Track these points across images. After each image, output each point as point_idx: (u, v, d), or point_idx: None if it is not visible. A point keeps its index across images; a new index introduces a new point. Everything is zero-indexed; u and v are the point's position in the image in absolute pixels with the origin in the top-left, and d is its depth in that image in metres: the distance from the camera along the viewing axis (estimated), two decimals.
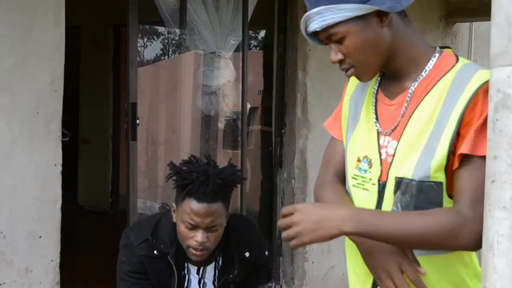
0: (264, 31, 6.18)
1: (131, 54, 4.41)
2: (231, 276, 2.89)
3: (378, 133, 1.91)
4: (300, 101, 5.37)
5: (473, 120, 1.72)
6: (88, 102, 9.04)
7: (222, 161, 5.69)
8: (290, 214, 1.80)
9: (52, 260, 3.74)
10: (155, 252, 2.78)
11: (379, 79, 1.98)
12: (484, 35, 7.50)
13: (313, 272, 5.48)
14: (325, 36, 1.83)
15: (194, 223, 2.65)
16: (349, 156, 1.99)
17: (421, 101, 1.83)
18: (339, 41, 1.82)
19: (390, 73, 1.93)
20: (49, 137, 3.69)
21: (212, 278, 2.91)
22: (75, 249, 5.62)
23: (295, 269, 5.45)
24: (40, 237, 3.68)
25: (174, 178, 2.75)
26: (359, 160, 1.95)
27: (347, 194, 1.98)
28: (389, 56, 1.86)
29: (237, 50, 5.36)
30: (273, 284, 5.55)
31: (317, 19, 1.80)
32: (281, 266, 5.54)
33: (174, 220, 2.77)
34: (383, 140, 1.89)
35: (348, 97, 2.05)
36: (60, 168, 3.75)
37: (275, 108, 5.53)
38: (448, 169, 1.76)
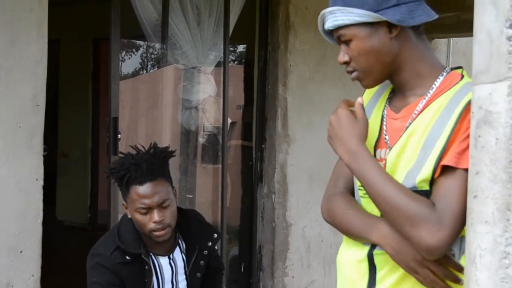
0: (245, 46, 6.20)
1: (113, 69, 4.42)
2: (209, 243, 3.01)
3: (377, 145, 1.95)
4: (280, 115, 5.38)
5: (458, 134, 1.75)
6: (67, 116, 9.02)
7: (202, 176, 5.73)
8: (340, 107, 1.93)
9: (33, 275, 3.74)
10: (127, 257, 2.84)
11: (390, 95, 2.02)
12: (461, 50, 7.60)
13: (293, 286, 5.48)
14: (336, 35, 1.91)
15: (145, 206, 2.77)
16: None
17: (416, 117, 1.87)
18: (347, 43, 1.89)
19: (396, 85, 1.97)
20: (31, 151, 3.70)
21: (182, 265, 3.00)
22: (54, 264, 5.59)
23: (275, 283, 5.45)
24: (21, 251, 3.68)
25: (111, 176, 2.89)
26: None
27: (357, 202, 2.01)
28: (394, 68, 1.91)
29: (218, 65, 5.38)
30: None
31: (330, 18, 1.89)
32: (261, 281, 5.53)
33: (129, 216, 2.87)
34: (382, 153, 1.94)
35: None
36: (41, 183, 3.76)
37: (256, 122, 5.54)
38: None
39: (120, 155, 2.97)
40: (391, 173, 1.86)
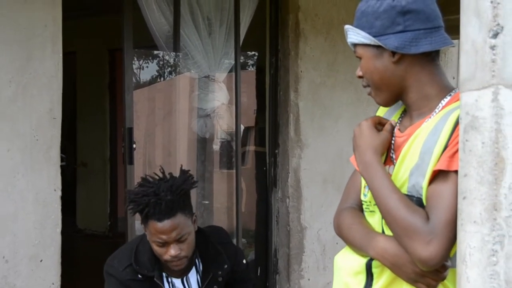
0: (256, 53, 6.26)
1: (126, 80, 4.47)
2: (219, 272, 3.02)
3: (385, 161, 2.01)
4: (292, 121, 5.43)
5: (452, 142, 1.81)
6: (86, 126, 9.11)
7: (218, 182, 5.79)
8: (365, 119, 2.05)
9: (53, 283, 3.82)
10: (139, 276, 2.90)
11: (402, 115, 2.09)
12: None
13: None
14: (354, 50, 2.04)
15: (162, 241, 2.79)
16: (362, 184, 2.11)
17: (415, 132, 1.94)
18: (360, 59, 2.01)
19: (405, 106, 2.05)
20: (49, 163, 3.78)
21: (197, 286, 3.03)
22: (75, 272, 5.68)
23: (291, 286, 5.48)
24: (41, 261, 3.76)
25: (131, 207, 2.87)
26: (364, 187, 2.06)
27: (363, 217, 2.08)
28: (401, 89, 1.98)
29: (230, 72, 5.44)
30: None
31: (348, 34, 2.02)
32: (277, 284, 5.57)
33: (148, 239, 2.90)
34: (391, 169, 1.99)
35: None
36: (59, 193, 3.84)
37: (269, 128, 5.60)
38: None
39: (143, 179, 2.95)
40: (395, 174, 1.94)
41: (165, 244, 2.81)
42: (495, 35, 1.48)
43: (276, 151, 5.56)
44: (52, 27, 3.78)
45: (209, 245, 3.05)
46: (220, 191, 5.82)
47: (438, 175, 1.82)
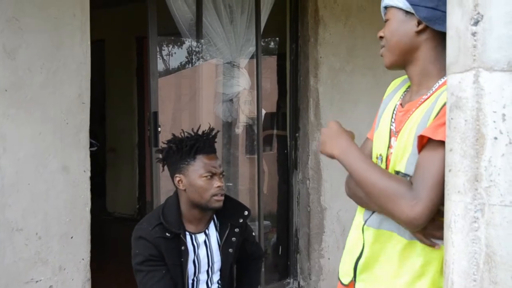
0: (277, 40, 6.35)
1: (151, 66, 4.58)
2: (240, 220, 3.32)
3: (390, 134, 2.17)
4: (312, 105, 5.54)
5: (439, 114, 1.96)
6: (114, 112, 9.22)
7: (241, 164, 5.91)
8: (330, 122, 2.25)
9: (83, 259, 3.96)
10: (167, 234, 3.13)
11: (406, 90, 2.25)
12: None
13: (329, 267, 5.63)
14: (384, 13, 2.23)
15: (212, 172, 3.13)
16: (372, 154, 2.26)
17: (415, 110, 2.09)
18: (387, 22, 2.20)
19: (409, 79, 2.22)
20: (78, 145, 3.90)
21: (216, 241, 3.29)
22: (105, 251, 5.86)
23: (311, 265, 5.60)
24: (72, 237, 3.89)
25: (180, 146, 3.18)
26: (376, 158, 2.21)
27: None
28: (410, 59, 2.15)
29: (251, 59, 5.52)
30: (291, 280, 5.71)
31: None
32: (298, 263, 5.69)
33: (183, 188, 3.17)
34: (393, 140, 2.14)
35: (382, 102, 2.35)
36: (89, 174, 3.96)
37: (289, 112, 5.70)
38: None
39: (174, 135, 3.29)
40: (396, 159, 2.09)
41: (213, 176, 3.14)
42: (476, 23, 1.61)
43: (297, 134, 5.67)
44: (80, 16, 3.90)
45: (224, 200, 3.28)
46: (242, 174, 5.91)
47: (425, 146, 1.96)
